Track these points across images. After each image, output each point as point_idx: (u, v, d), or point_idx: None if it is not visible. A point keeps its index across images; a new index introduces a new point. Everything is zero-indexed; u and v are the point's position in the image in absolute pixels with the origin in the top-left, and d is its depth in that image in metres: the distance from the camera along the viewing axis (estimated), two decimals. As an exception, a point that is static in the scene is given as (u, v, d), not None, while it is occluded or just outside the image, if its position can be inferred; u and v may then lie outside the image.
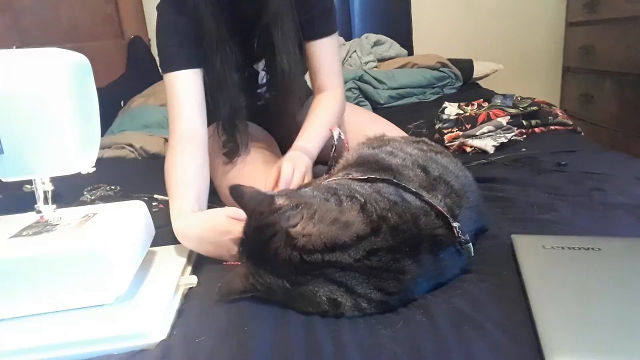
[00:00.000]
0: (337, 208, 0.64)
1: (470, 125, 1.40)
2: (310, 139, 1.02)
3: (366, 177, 0.73)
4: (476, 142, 1.34)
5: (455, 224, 0.67)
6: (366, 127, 1.13)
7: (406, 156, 0.80)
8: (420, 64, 2.35)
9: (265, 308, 0.65)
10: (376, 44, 2.61)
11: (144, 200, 0.84)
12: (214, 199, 1.08)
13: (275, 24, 1.02)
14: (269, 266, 0.64)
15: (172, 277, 0.75)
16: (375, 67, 2.48)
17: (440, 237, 0.66)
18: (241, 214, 0.74)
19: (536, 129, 1.45)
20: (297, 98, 1.16)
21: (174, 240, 0.89)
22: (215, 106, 1.05)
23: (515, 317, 0.59)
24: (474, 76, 2.41)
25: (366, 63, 2.47)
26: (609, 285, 0.61)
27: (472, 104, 1.59)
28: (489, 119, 1.39)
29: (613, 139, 2.29)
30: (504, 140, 1.33)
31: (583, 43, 2.60)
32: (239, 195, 0.70)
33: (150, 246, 0.81)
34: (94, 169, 0.73)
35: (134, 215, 0.78)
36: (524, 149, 1.29)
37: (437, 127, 1.51)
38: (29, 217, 0.75)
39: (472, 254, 0.69)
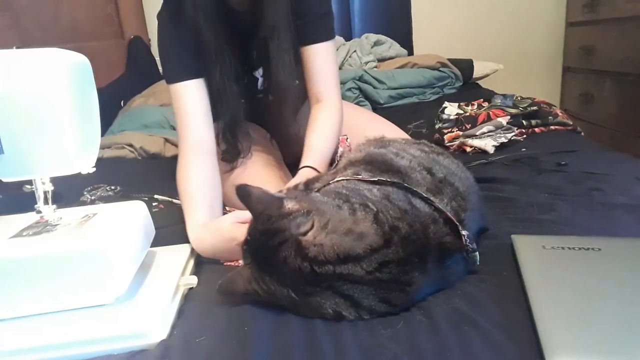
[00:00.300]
0: (351, 218, 0.62)
1: (470, 125, 1.40)
2: (315, 160, 0.98)
3: (376, 179, 0.70)
4: (476, 142, 1.34)
5: (464, 232, 0.65)
6: (366, 127, 1.12)
7: (411, 158, 0.78)
8: (420, 64, 2.35)
9: (265, 308, 0.65)
10: (376, 44, 2.60)
11: (144, 201, 0.84)
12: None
13: (272, 37, 1.02)
14: (275, 274, 0.62)
15: (172, 277, 0.75)
16: (375, 67, 2.47)
17: (448, 245, 0.65)
18: (244, 215, 0.73)
19: (536, 129, 1.44)
20: (291, 107, 1.17)
21: (174, 240, 0.90)
22: (216, 116, 1.06)
23: (515, 317, 0.59)
24: (474, 76, 2.40)
25: (366, 63, 2.47)
26: (609, 285, 0.61)
27: (472, 104, 1.59)
28: (489, 119, 1.39)
29: (613, 139, 2.29)
30: (504, 140, 1.33)
31: (583, 43, 2.60)
32: (245, 195, 0.67)
33: (150, 246, 0.81)
34: (94, 169, 0.73)
35: (134, 215, 0.78)
36: (524, 149, 1.29)
37: (437, 127, 1.51)
38: (29, 217, 0.75)
39: (478, 263, 0.69)
